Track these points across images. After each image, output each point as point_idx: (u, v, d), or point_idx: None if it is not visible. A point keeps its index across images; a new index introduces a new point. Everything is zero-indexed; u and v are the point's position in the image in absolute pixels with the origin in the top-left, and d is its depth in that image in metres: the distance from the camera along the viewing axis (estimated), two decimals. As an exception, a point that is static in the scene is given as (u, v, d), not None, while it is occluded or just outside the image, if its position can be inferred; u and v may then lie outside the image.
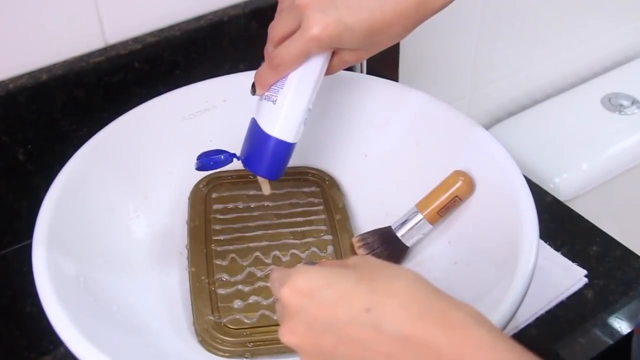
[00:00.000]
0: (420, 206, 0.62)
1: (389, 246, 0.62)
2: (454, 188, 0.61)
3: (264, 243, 0.63)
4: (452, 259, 0.60)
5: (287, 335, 0.39)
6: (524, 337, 0.64)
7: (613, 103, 1.15)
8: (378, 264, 0.41)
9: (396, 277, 0.38)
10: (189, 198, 0.67)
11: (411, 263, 0.63)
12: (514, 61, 1.13)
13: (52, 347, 0.63)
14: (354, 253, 0.63)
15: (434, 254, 0.62)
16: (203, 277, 0.60)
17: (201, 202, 0.66)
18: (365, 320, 0.36)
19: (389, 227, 0.63)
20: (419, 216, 0.61)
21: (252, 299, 0.59)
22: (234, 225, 0.65)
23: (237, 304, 0.58)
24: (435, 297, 0.37)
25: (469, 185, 0.61)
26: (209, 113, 0.70)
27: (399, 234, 0.62)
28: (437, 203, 0.61)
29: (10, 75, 0.67)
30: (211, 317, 0.57)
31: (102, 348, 0.47)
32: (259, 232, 0.64)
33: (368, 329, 0.36)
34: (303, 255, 0.63)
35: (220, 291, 0.59)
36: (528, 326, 0.65)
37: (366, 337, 0.36)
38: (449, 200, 0.61)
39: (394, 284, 0.38)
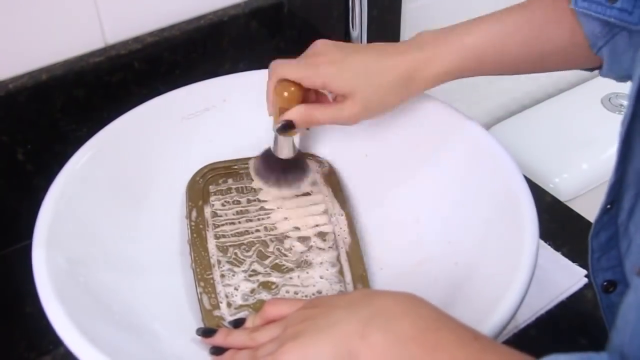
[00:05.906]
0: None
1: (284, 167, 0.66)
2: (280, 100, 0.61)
3: (264, 234, 0.64)
4: (452, 259, 0.60)
5: None
6: (524, 337, 0.64)
7: (613, 103, 1.15)
8: None
9: None
10: (185, 192, 0.67)
11: (411, 263, 0.63)
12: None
13: (52, 347, 0.63)
14: (353, 238, 0.63)
15: (434, 254, 0.62)
16: (208, 274, 0.60)
17: (198, 195, 0.66)
18: None
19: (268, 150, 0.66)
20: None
21: (257, 293, 0.59)
22: (234, 218, 0.65)
23: (242, 299, 0.58)
24: None
25: (292, 94, 0.61)
26: (209, 113, 0.70)
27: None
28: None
29: (10, 75, 0.67)
30: (218, 314, 0.57)
31: (102, 348, 0.47)
32: (259, 224, 0.65)
33: None
34: (304, 247, 0.63)
35: (224, 287, 0.59)
36: (528, 326, 0.65)
37: None
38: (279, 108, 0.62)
39: None
